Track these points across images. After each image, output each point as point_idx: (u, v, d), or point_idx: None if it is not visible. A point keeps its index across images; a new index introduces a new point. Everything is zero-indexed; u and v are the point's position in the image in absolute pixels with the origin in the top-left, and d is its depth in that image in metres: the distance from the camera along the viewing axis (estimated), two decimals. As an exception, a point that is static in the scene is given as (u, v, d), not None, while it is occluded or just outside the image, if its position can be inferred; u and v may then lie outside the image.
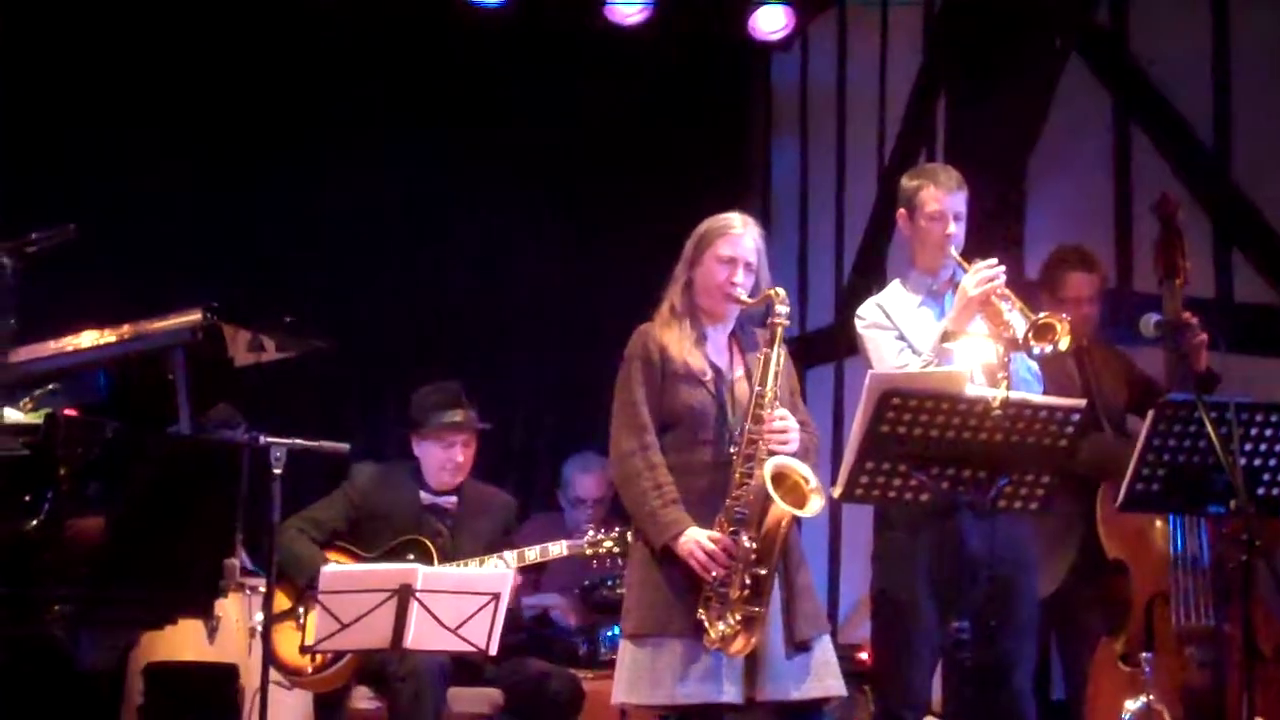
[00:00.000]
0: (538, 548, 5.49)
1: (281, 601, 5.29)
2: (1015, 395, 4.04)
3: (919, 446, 3.98)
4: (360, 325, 6.96)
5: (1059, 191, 6.52)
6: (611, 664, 4.84)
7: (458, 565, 5.39)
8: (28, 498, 3.88)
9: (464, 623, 4.84)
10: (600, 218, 7.47)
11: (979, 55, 6.50)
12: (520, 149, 7.39)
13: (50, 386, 4.82)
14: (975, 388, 4.08)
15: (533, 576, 6.10)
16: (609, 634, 6.03)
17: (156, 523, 4.22)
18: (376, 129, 7.31)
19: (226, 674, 5.59)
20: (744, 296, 4.39)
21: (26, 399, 4.72)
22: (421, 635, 4.83)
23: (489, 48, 7.38)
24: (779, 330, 4.34)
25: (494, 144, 7.35)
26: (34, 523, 3.85)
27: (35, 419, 4.26)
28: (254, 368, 5.05)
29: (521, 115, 7.43)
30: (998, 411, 3.96)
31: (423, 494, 5.68)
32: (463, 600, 4.85)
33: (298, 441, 5.01)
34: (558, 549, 5.50)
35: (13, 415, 4.22)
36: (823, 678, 4.34)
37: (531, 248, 7.53)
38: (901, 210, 4.69)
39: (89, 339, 4.74)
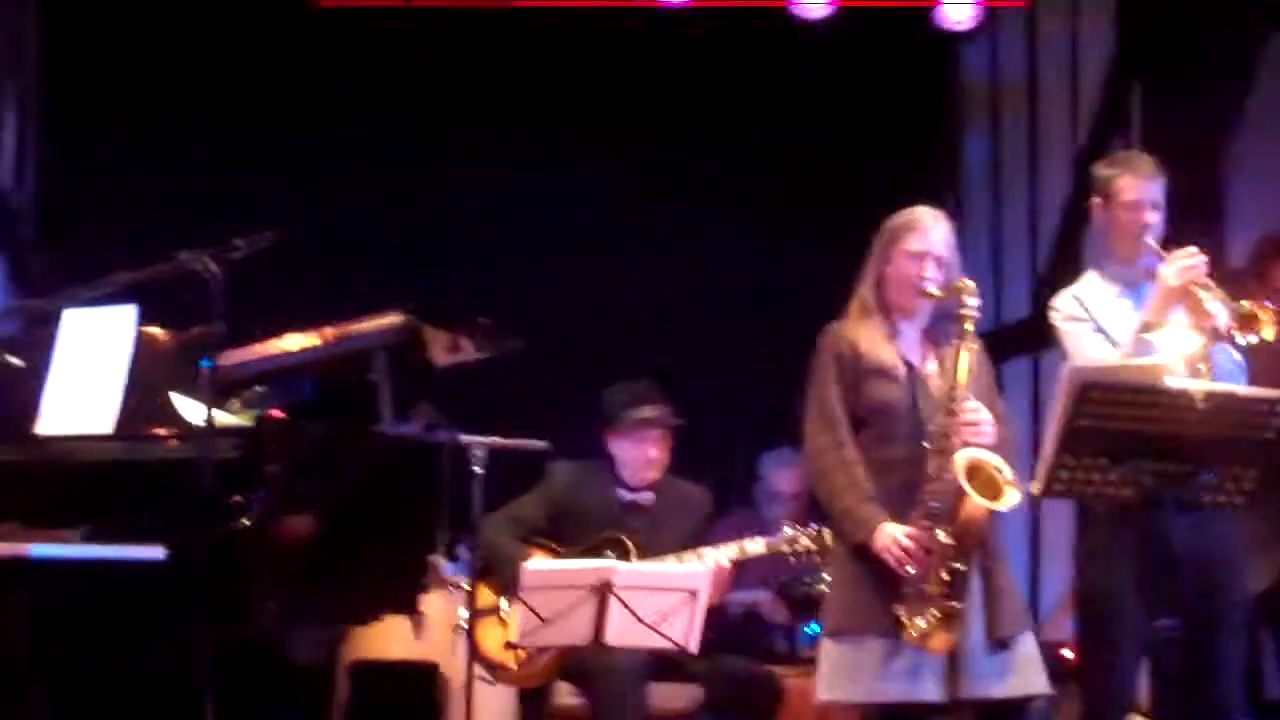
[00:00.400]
0: (734, 545, 5.49)
1: (485, 597, 5.37)
2: (1219, 387, 3.95)
3: (1119, 440, 3.91)
4: (555, 324, 7.02)
5: (1263, 176, 6.34)
6: (810, 661, 4.84)
7: (655, 562, 5.41)
8: (238, 498, 3.97)
9: (663, 619, 4.87)
10: (790, 213, 7.44)
11: (1174, 38, 6.35)
12: (709, 146, 7.40)
13: (258, 389, 4.95)
14: (1177, 379, 3.99)
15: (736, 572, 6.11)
16: (807, 631, 6.02)
17: (362, 521, 4.30)
18: (566, 129, 7.37)
19: (428, 671, 5.69)
20: (935, 291, 4.36)
21: (236, 402, 4.86)
22: (621, 631, 4.87)
23: (674, 46, 7.40)
24: (969, 322, 4.29)
25: (683, 141, 7.37)
26: (244, 522, 3.94)
27: (245, 421, 4.37)
28: (453, 368, 5.12)
29: (709, 113, 7.44)
30: (1201, 404, 3.88)
31: (619, 491, 5.72)
32: (661, 597, 4.88)
33: (496, 440, 5.10)
34: (754, 546, 5.49)
35: (223, 418, 4.32)
36: (1026, 675, 4.29)
37: (725, 244, 7.53)
38: (1097, 200, 4.61)
39: (295, 342, 4.85)
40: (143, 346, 4.39)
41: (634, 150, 7.34)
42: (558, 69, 7.37)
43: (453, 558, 5.53)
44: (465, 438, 4.98)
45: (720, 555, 5.43)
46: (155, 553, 3.89)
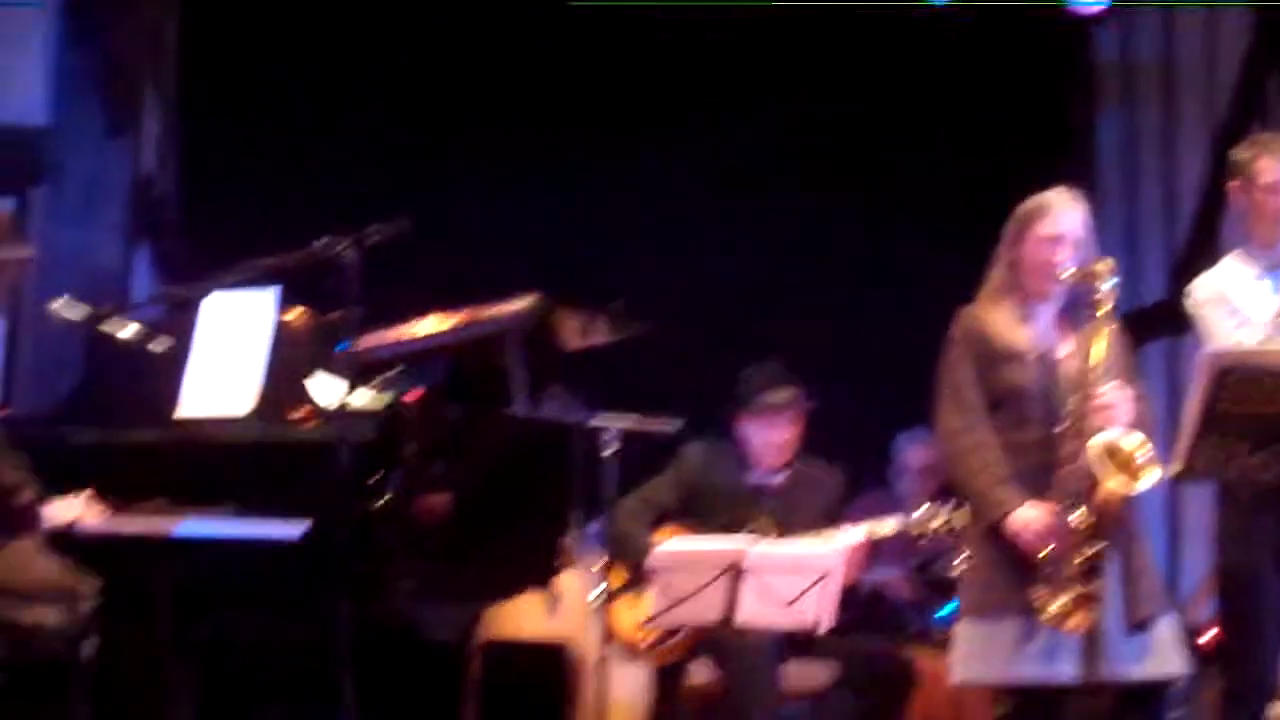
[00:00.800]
0: (866, 525, 5.48)
1: (618, 576, 5.41)
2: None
3: (1259, 424, 3.85)
4: (685, 306, 7.04)
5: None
6: (943, 642, 4.82)
7: (787, 543, 5.41)
8: (376, 479, 4.03)
9: (795, 600, 4.88)
10: (924, 196, 7.38)
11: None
12: (840, 126, 7.36)
13: (393, 371, 5.03)
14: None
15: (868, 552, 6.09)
16: (941, 611, 5.98)
17: (497, 501, 4.35)
18: (695, 107, 7.37)
19: (557, 651, 5.73)
20: (1067, 275, 4.31)
21: (372, 384, 4.94)
22: (753, 612, 4.88)
23: (809, 32, 7.37)
24: (1105, 304, 4.24)
25: (814, 121, 7.34)
26: (382, 502, 3.99)
27: (380, 403, 4.44)
28: (584, 351, 5.16)
29: (842, 96, 7.40)
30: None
31: (751, 473, 5.72)
32: (793, 577, 4.89)
33: (627, 422, 5.13)
34: (886, 527, 5.47)
35: (360, 400, 4.39)
36: (1165, 657, 4.24)
37: (858, 226, 7.49)
38: (1235, 182, 4.54)
39: (429, 326, 4.92)
40: (282, 330, 4.48)
41: (767, 132, 7.33)
42: (680, 43, 7.35)
43: (586, 537, 5.59)
44: (597, 420, 5.02)
45: (853, 536, 5.42)
46: (294, 532, 3.96)
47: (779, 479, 5.71)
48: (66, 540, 4.08)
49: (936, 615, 6.03)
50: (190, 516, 4.21)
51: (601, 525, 5.18)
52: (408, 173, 6.97)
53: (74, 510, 4.15)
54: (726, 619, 4.90)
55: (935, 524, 5.35)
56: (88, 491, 4.20)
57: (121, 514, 4.25)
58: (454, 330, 4.86)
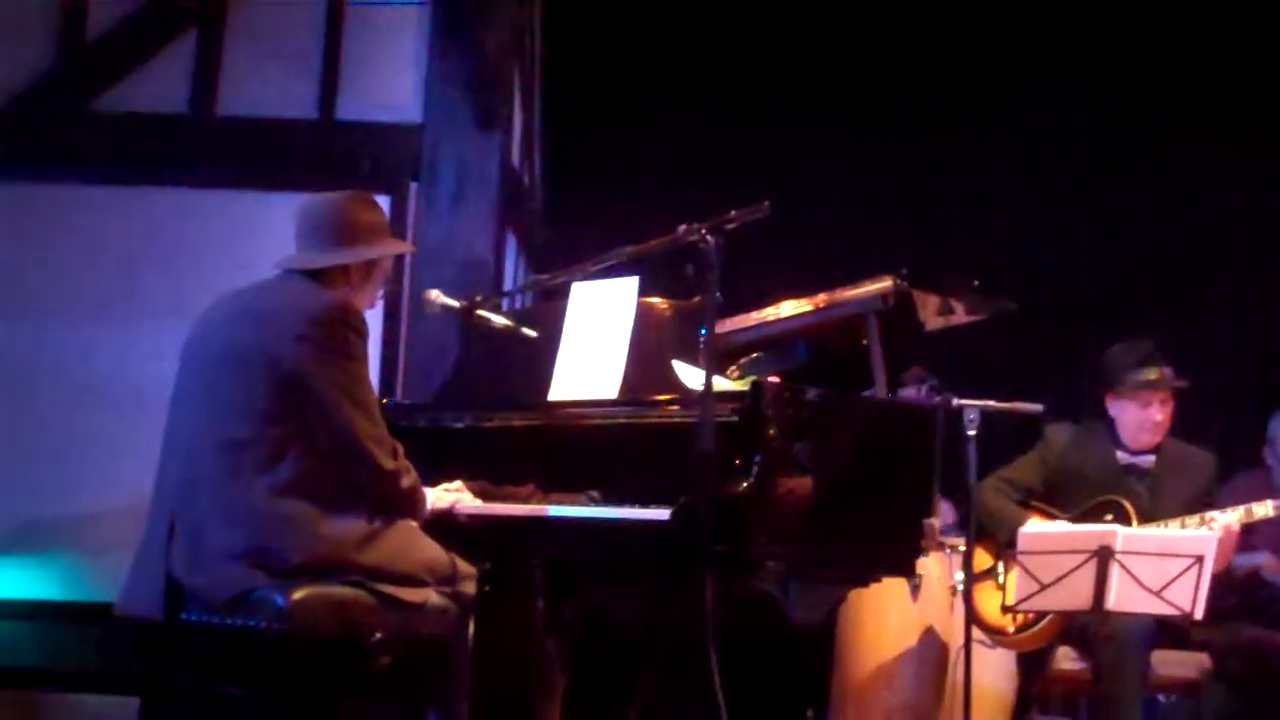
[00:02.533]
0: (1241, 508, 5.28)
1: (981, 560, 5.35)
2: None
3: None
4: (1050, 284, 6.91)
5: None
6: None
7: (1157, 526, 5.27)
8: (738, 461, 4.07)
9: (1166, 585, 4.74)
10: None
11: None
12: (1200, 87, 7.09)
13: (754, 355, 5.08)
14: None
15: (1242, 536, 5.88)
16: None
17: (859, 483, 4.34)
18: (1047, 76, 7.21)
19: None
20: None
21: (733, 367, 4.99)
22: (1123, 597, 4.77)
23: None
24: None
25: (1173, 86, 7.09)
26: (745, 484, 4.02)
27: (741, 386, 4.47)
28: (945, 331, 5.11)
29: (1204, 52, 7.13)
30: None
31: (1119, 454, 5.58)
32: (1165, 562, 4.76)
33: (991, 403, 5.06)
34: (1262, 509, 5.27)
35: (721, 383, 4.43)
36: None
37: (1222, 195, 7.22)
38: None
39: (788, 309, 4.95)
40: (644, 316, 4.57)
41: (1127, 101, 7.13)
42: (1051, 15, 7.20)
43: (950, 520, 5.54)
44: (959, 401, 4.97)
45: (1227, 519, 5.24)
46: (662, 513, 4.03)
47: (1149, 460, 5.56)
48: (443, 524, 4.24)
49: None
50: (560, 498, 4.34)
51: (965, 507, 5.13)
52: (761, 156, 7.03)
53: (453, 494, 4.32)
54: (1095, 605, 4.80)
55: (1317, 506, 5.14)
56: (458, 483, 4.36)
57: (495, 498, 4.41)
58: (813, 312, 4.88)
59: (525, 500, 4.39)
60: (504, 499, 4.40)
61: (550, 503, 4.33)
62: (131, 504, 5.61)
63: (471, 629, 4.18)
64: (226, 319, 4.14)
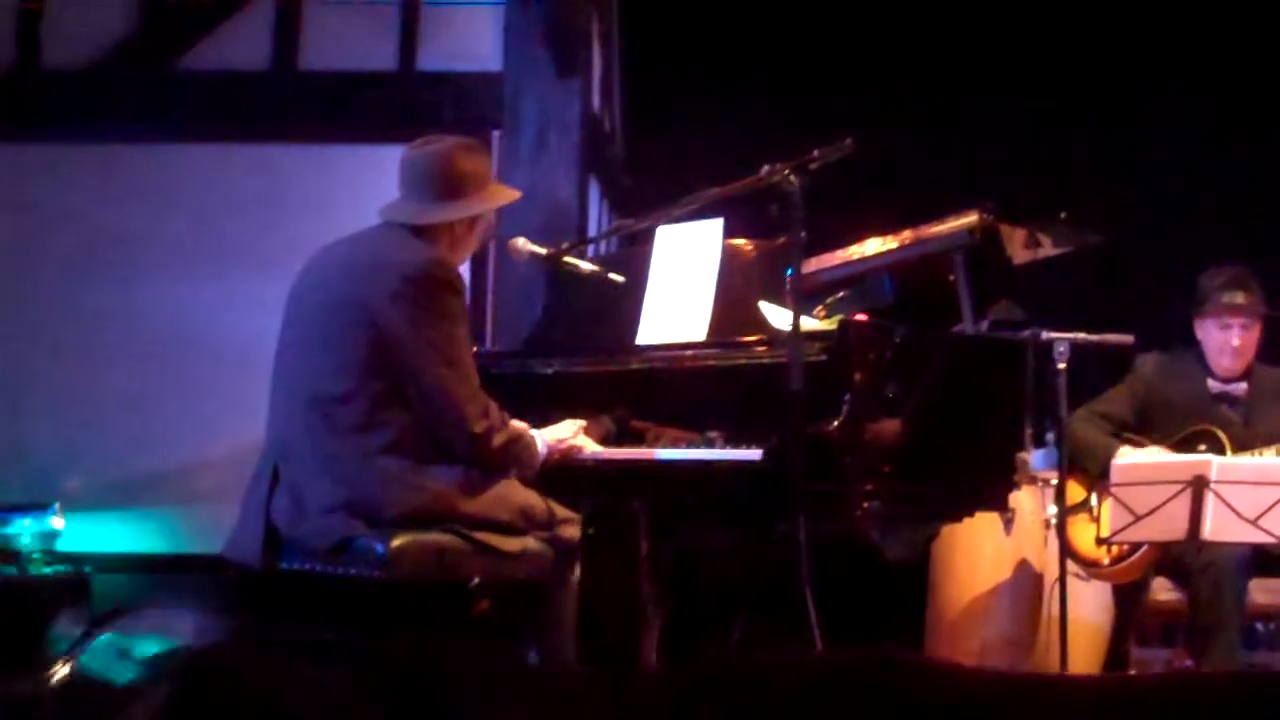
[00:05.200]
0: (1337, 435, 5.23)
1: (1074, 493, 5.33)
2: None
3: None
4: (1140, 212, 6.84)
5: None
6: None
7: (1252, 454, 5.22)
8: (827, 400, 4.08)
9: (1263, 514, 4.71)
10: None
11: None
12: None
13: (840, 294, 5.07)
14: None
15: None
16: None
17: (949, 420, 4.33)
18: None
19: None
20: None
21: (819, 307, 4.99)
22: (1219, 527, 4.74)
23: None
24: None
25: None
26: (835, 424, 4.03)
27: (829, 326, 4.48)
28: (1033, 263, 5.08)
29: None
30: None
31: (1210, 382, 5.52)
32: (1260, 491, 4.72)
33: (1080, 335, 5.03)
34: (1361, 435, 5.21)
35: (809, 323, 4.43)
36: None
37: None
38: None
39: (873, 246, 4.94)
40: (729, 258, 4.57)
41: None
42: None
43: (1040, 447, 5.52)
44: (1048, 334, 4.94)
45: (1323, 445, 5.20)
46: (753, 454, 4.05)
47: (1242, 387, 5.50)
48: (562, 466, 4.26)
49: None
50: (677, 436, 4.36)
51: (1056, 440, 5.11)
52: (842, 96, 6.99)
53: (569, 439, 4.31)
54: (1191, 535, 4.78)
55: None
56: (581, 423, 4.36)
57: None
58: (898, 249, 4.87)
59: (646, 439, 4.41)
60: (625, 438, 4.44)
61: (666, 442, 4.36)
62: (230, 457, 5.74)
63: (577, 571, 4.20)
64: (326, 272, 4.16)
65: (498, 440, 4.03)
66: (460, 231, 4.20)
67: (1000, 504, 4.55)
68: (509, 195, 4.35)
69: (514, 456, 4.10)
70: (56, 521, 6.34)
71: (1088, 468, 5.36)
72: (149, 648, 4.52)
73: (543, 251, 4.78)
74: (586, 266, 4.80)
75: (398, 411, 3.96)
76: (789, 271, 4.25)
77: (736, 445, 4.16)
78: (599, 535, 4.39)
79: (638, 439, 4.45)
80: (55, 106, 6.87)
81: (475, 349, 4.27)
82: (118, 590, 6.38)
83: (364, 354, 3.97)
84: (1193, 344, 5.58)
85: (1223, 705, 2.67)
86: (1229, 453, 5.21)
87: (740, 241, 4.63)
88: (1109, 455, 5.23)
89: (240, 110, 6.85)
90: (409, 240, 4.11)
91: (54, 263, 6.78)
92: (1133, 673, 5.37)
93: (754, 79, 7.22)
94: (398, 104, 6.73)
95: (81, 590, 6.14)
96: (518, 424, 4.14)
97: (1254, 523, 4.72)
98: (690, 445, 4.30)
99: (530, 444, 4.15)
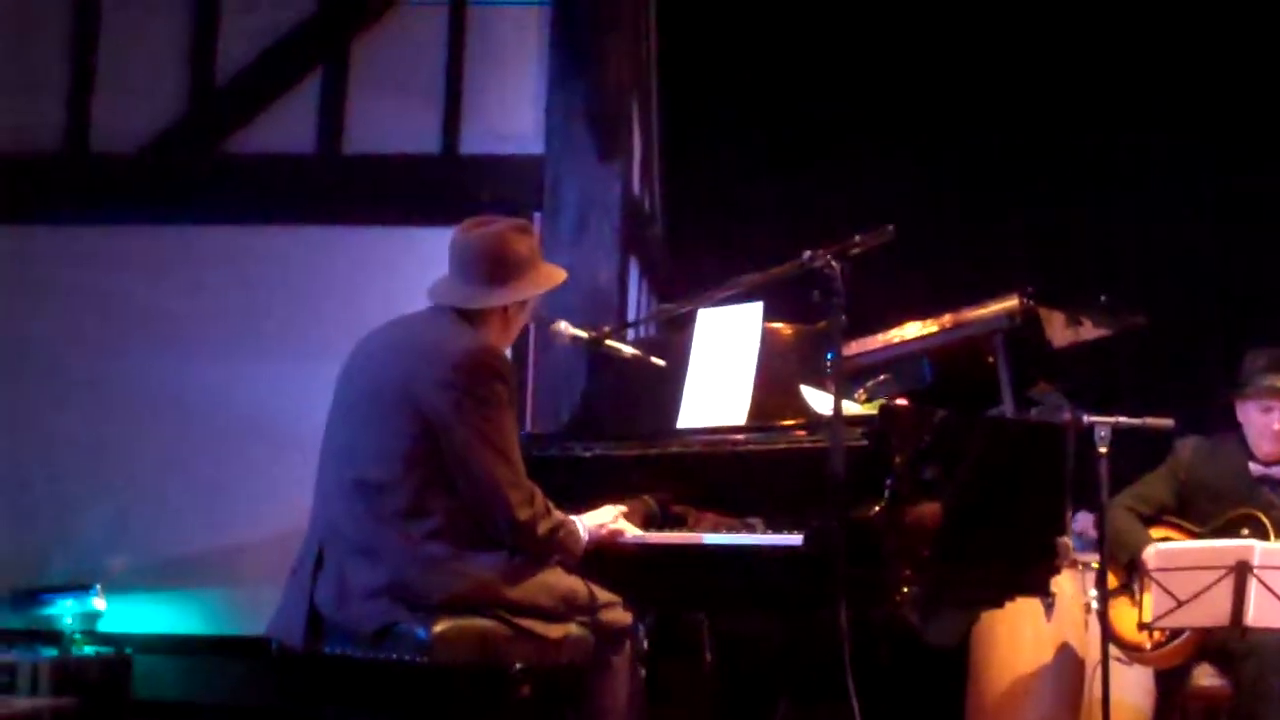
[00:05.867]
0: (1377, 520, 5.20)
1: (1116, 577, 5.31)
2: None
3: None
4: (1180, 297, 6.84)
5: None
6: None
7: (1299, 540, 5.19)
8: (867, 485, 4.08)
9: (1309, 599, 4.69)
10: None
11: None
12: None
13: (880, 377, 5.08)
14: None
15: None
16: None
17: (990, 504, 4.33)
18: (1170, 81, 7.13)
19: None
20: None
21: (860, 390, 5.00)
22: (1262, 612, 4.72)
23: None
24: None
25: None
26: (876, 509, 4.03)
27: (870, 410, 4.49)
28: (1073, 347, 5.09)
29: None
30: None
31: (1252, 465, 5.50)
32: (1306, 575, 4.71)
33: (1122, 420, 5.03)
34: (1396, 520, 5.18)
35: (849, 407, 4.44)
36: None
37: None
38: None
39: (913, 330, 4.95)
40: (770, 341, 4.59)
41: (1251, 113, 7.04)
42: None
43: (1081, 538, 5.50)
44: (1089, 418, 4.94)
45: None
46: (793, 540, 4.05)
47: (1282, 471, 5.48)
48: (600, 551, 4.27)
49: None
50: (717, 522, 4.37)
51: (1097, 525, 5.09)
52: (881, 180, 7.03)
53: (609, 524, 4.32)
54: (1234, 621, 4.75)
55: None
56: (621, 508, 4.38)
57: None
58: (939, 333, 4.88)
59: (687, 523, 4.42)
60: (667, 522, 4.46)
61: (704, 527, 4.37)
62: (276, 539, 5.77)
63: (623, 655, 4.20)
64: (375, 356, 4.17)
65: (542, 528, 4.04)
66: (511, 314, 4.21)
67: (1041, 588, 4.52)
68: (559, 276, 4.33)
69: (558, 543, 4.11)
70: (98, 602, 6.37)
71: (1116, 556, 5.34)
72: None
73: (584, 335, 4.81)
74: (628, 350, 4.83)
75: (443, 498, 3.97)
76: (829, 355, 4.26)
77: (776, 530, 4.17)
78: (664, 646, 4.39)
79: (678, 523, 4.46)
80: (104, 190, 6.96)
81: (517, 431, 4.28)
82: (160, 671, 6.40)
83: (410, 440, 3.98)
84: (1234, 428, 5.56)
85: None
86: (1272, 537, 5.18)
87: (780, 325, 4.65)
88: (1140, 545, 5.21)
89: (285, 193, 6.93)
90: (458, 325, 4.12)
91: (100, 344, 6.86)
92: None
93: (794, 163, 7.27)
94: (440, 186, 6.80)
95: (124, 671, 6.16)
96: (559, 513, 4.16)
97: (1300, 609, 4.69)
98: (730, 530, 4.31)
99: (573, 531, 4.16)
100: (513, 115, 6.88)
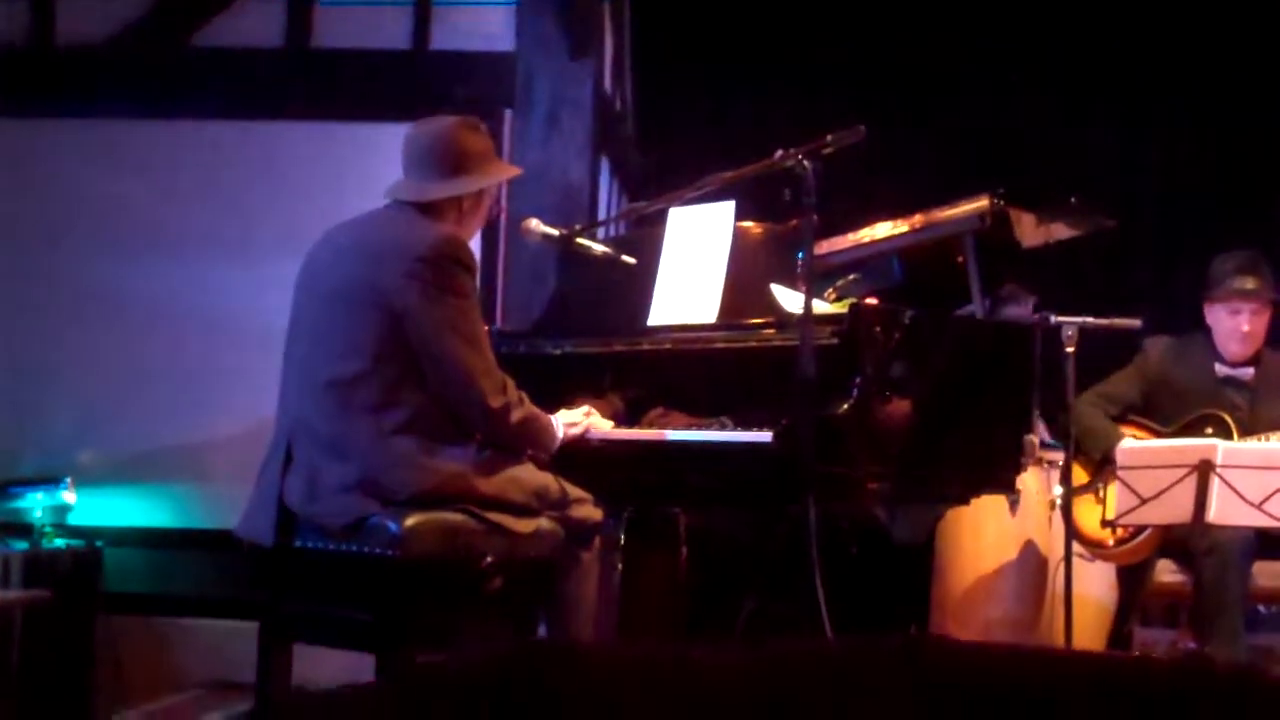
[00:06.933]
0: (1344, 420, 5.26)
1: (1079, 475, 5.36)
2: None
3: None
4: (1150, 196, 6.85)
5: None
6: None
7: (1258, 439, 5.25)
8: (837, 383, 4.11)
9: (1268, 498, 4.74)
10: None
11: None
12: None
13: (850, 277, 5.09)
14: None
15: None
16: None
17: (958, 403, 4.36)
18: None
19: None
20: None
21: (830, 290, 5.02)
22: (1223, 510, 4.78)
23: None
24: None
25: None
26: (844, 407, 4.06)
27: (840, 309, 4.50)
28: (1043, 247, 5.10)
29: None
30: None
31: (1217, 366, 5.55)
32: (1266, 475, 4.76)
33: (1088, 319, 5.06)
34: (1369, 422, 5.24)
35: (819, 306, 4.45)
36: None
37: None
38: None
39: (884, 230, 4.96)
40: (740, 240, 4.60)
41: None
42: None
43: (1049, 435, 5.55)
44: (1056, 318, 4.97)
45: (1327, 430, 5.23)
46: (763, 436, 4.08)
47: (1249, 372, 5.53)
48: (571, 449, 4.29)
49: None
50: (687, 421, 4.39)
51: (1063, 422, 5.14)
52: (857, 80, 7.01)
53: (581, 422, 4.37)
54: (1196, 518, 4.81)
55: None
56: (587, 408, 4.42)
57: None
58: (910, 233, 4.89)
59: (653, 423, 4.45)
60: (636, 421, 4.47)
61: (674, 425, 4.40)
62: (245, 434, 5.77)
63: (592, 550, 4.24)
64: (336, 254, 4.18)
65: (515, 416, 4.07)
66: (467, 207, 4.24)
67: (1007, 486, 4.57)
68: (512, 170, 4.49)
69: (531, 434, 4.14)
70: (68, 496, 6.37)
71: (1090, 453, 5.40)
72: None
73: (555, 233, 4.80)
74: (598, 248, 4.83)
75: (411, 392, 3.99)
76: (800, 255, 4.26)
77: (746, 428, 4.19)
78: (640, 539, 4.42)
79: (647, 420, 4.49)
80: (68, 84, 6.88)
81: (486, 328, 4.29)
82: (130, 564, 6.43)
83: (378, 335, 3.99)
84: (1201, 328, 5.60)
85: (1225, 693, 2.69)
86: (1235, 437, 5.24)
87: (751, 224, 4.65)
88: (1111, 441, 5.27)
89: (254, 88, 6.86)
90: (418, 219, 4.14)
91: (65, 239, 6.80)
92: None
93: (766, 62, 7.23)
94: (410, 82, 6.74)
95: (94, 563, 6.18)
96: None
97: (1259, 507, 4.75)
98: (702, 429, 4.33)
99: (547, 425, 4.19)
100: (483, 11, 6.81)
